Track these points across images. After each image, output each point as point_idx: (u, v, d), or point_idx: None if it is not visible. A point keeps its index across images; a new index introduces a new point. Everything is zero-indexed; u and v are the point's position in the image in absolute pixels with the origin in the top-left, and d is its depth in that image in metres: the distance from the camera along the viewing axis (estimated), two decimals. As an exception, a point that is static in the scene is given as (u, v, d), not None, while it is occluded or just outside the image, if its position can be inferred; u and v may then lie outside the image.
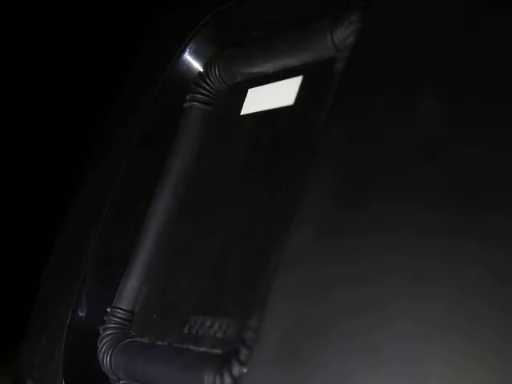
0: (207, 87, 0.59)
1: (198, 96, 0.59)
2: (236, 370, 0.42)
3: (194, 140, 0.59)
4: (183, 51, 0.60)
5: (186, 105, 0.60)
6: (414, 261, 0.35)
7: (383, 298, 0.35)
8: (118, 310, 0.56)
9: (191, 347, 0.48)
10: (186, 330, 0.50)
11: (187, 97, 0.59)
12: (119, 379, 0.54)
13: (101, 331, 0.56)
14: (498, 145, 0.34)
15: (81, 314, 0.56)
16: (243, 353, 0.42)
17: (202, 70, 0.60)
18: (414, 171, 0.37)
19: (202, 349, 0.47)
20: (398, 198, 0.37)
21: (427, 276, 0.34)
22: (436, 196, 0.35)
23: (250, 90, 0.56)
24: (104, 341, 0.55)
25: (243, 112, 0.55)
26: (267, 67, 0.54)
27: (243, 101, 0.56)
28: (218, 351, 0.46)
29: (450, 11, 0.39)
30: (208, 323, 0.48)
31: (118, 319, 0.55)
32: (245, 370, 0.41)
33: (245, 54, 0.56)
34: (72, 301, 0.56)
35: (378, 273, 0.36)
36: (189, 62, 0.60)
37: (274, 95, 0.53)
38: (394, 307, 0.35)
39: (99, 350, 0.55)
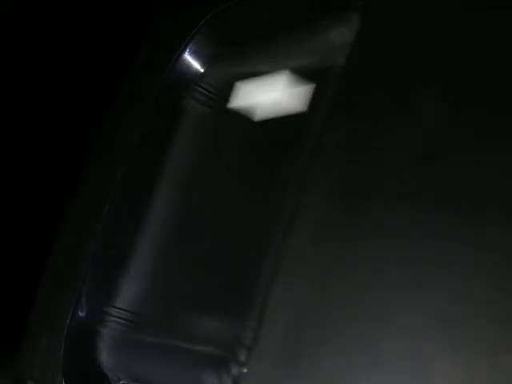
0: (207, 87, 0.59)
1: (198, 96, 0.59)
2: (235, 370, 0.42)
3: (193, 140, 0.59)
4: (183, 51, 0.60)
5: (186, 105, 0.60)
6: (414, 265, 0.35)
7: (383, 300, 0.35)
8: (118, 310, 0.56)
9: (191, 347, 0.48)
10: (186, 330, 0.50)
11: (187, 97, 0.59)
12: (119, 379, 0.54)
13: (101, 331, 0.56)
14: (498, 148, 0.34)
15: (81, 314, 0.56)
16: (242, 353, 0.42)
17: (201, 70, 0.60)
18: (414, 174, 0.37)
19: (202, 349, 0.47)
20: (398, 203, 0.37)
21: (427, 282, 0.34)
22: (435, 202, 0.35)
23: (249, 90, 0.56)
24: (104, 341, 0.55)
25: (243, 112, 0.55)
26: (267, 67, 0.54)
27: (243, 101, 0.56)
28: (217, 351, 0.46)
29: (449, 11, 0.39)
30: (208, 323, 0.48)
31: (117, 319, 0.55)
32: (244, 370, 0.41)
33: (245, 53, 0.56)
34: (72, 301, 0.56)
35: (378, 275, 0.36)
36: (189, 62, 0.60)
37: (273, 95, 0.53)
38: (392, 312, 0.35)
39: (99, 350, 0.55)
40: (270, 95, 0.53)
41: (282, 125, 0.51)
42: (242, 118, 0.55)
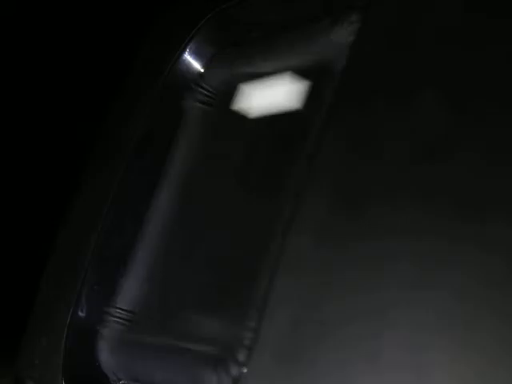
0: (207, 87, 0.59)
1: (198, 96, 0.59)
2: (235, 370, 0.42)
3: (194, 140, 0.59)
4: (183, 51, 0.60)
5: (186, 105, 0.60)
6: (414, 264, 0.35)
7: (383, 299, 0.35)
8: (117, 310, 0.56)
9: (191, 347, 0.48)
10: (186, 330, 0.50)
11: (187, 97, 0.59)
12: (119, 379, 0.54)
13: (101, 331, 0.56)
14: (498, 148, 0.34)
15: (81, 314, 0.56)
16: (242, 353, 0.42)
17: (202, 70, 0.60)
18: (414, 174, 0.37)
19: (202, 349, 0.47)
20: (398, 201, 0.37)
21: (427, 280, 0.34)
22: (436, 200, 0.35)
23: (249, 90, 0.56)
24: (104, 341, 0.55)
25: (243, 112, 0.55)
26: (267, 67, 0.54)
27: (243, 101, 0.56)
28: (217, 351, 0.46)
29: (450, 11, 0.39)
30: (208, 323, 0.48)
31: (118, 319, 0.55)
32: (244, 370, 0.41)
33: (245, 53, 0.56)
34: (72, 301, 0.56)
35: (378, 275, 0.36)
36: (189, 62, 0.60)
37: (274, 95, 0.53)
38: (393, 310, 0.35)
39: (99, 350, 0.55)
40: (270, 95, 0.53)
41: (282, 125, 0.51)
42: (242, 118, 0.55)
